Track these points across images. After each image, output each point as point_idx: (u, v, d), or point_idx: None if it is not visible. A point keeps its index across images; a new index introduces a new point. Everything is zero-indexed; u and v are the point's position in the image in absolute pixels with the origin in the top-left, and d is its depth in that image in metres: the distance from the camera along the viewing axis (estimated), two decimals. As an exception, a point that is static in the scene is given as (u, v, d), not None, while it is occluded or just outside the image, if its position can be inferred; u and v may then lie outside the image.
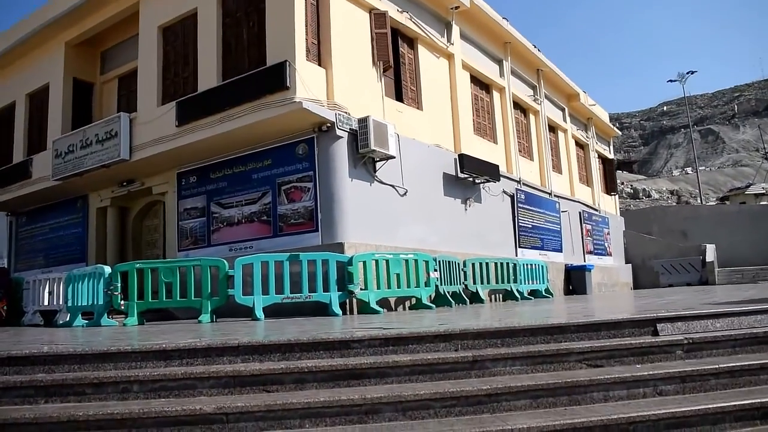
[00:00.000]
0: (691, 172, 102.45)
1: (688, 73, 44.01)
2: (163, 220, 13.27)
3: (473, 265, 12.00)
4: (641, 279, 25.06)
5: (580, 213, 20.66)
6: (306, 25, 10.06)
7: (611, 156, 26.36)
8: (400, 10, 12.24)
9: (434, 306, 9.79)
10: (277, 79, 9.61)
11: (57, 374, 3.81)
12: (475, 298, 11.80)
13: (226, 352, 4.00)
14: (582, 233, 20.66)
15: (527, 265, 13.94)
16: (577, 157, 22.30)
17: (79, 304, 9.50)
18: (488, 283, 12.37)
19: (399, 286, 9.58)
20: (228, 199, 11.24)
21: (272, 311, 8.70)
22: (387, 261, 9.44)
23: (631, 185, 71.43)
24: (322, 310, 8.93)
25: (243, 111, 10.05)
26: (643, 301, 9.29)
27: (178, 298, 8.67)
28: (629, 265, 24.94)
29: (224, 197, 11.31)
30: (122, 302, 8.77)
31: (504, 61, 16.60)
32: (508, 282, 12.94)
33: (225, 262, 8.62)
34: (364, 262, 9.11)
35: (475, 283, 11.94)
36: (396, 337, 4.08)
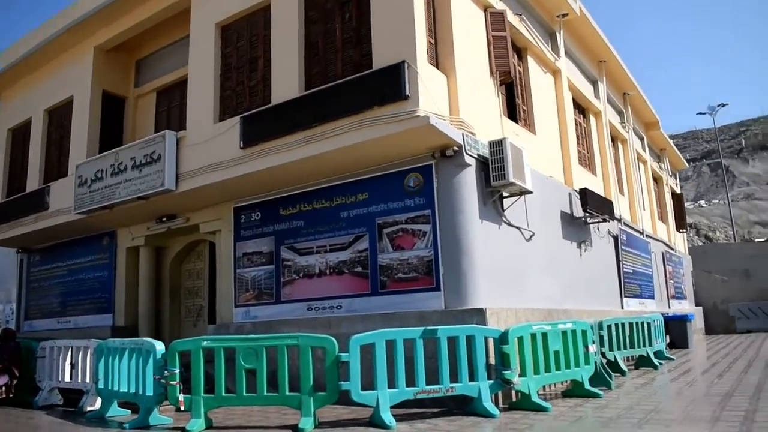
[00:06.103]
0: (705, 205, 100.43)
1: (719, 105, 41.48)
2: (208, 264, 10.72)
3: (609, 327, 9.40)
4: (712, 324, 22.60)
5: (663, 253, 18.15)
6: (424, 19, 7.69)
7: (679, 190, 23.96)
8: (513, 12, 9.93)
9: (600, 392, 7.15)
10: (392, 85, 7.15)
11: None
12: (612, 368, 9.17)
13: None
14: (666, 276, 18.11)
15: (656, 321, 11.34)
16: (654, 192, 19.89)
17: (115, 389, 6.90)
18: (624, 348, 9.77)
19: (558, 367, 6.97)
20: (306, 243, 8.69)
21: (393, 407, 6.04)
22: (545, 334, 6.85)
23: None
24: (462, 404, 6.33)
25: (339, 128, 7.57)
26: None
27: (265, 392, 6.05)
28: (700, 309, 22.40)
29: (300, 240, 8.76)
30: (181, 396, 6.15)
31: (599, 82, 14.31)
32: (643, 345, 10.34)
33: (334, 341, 6.01)
34: (521, 338, 6.53)
35: (611, 349, 9.34)
36: None
